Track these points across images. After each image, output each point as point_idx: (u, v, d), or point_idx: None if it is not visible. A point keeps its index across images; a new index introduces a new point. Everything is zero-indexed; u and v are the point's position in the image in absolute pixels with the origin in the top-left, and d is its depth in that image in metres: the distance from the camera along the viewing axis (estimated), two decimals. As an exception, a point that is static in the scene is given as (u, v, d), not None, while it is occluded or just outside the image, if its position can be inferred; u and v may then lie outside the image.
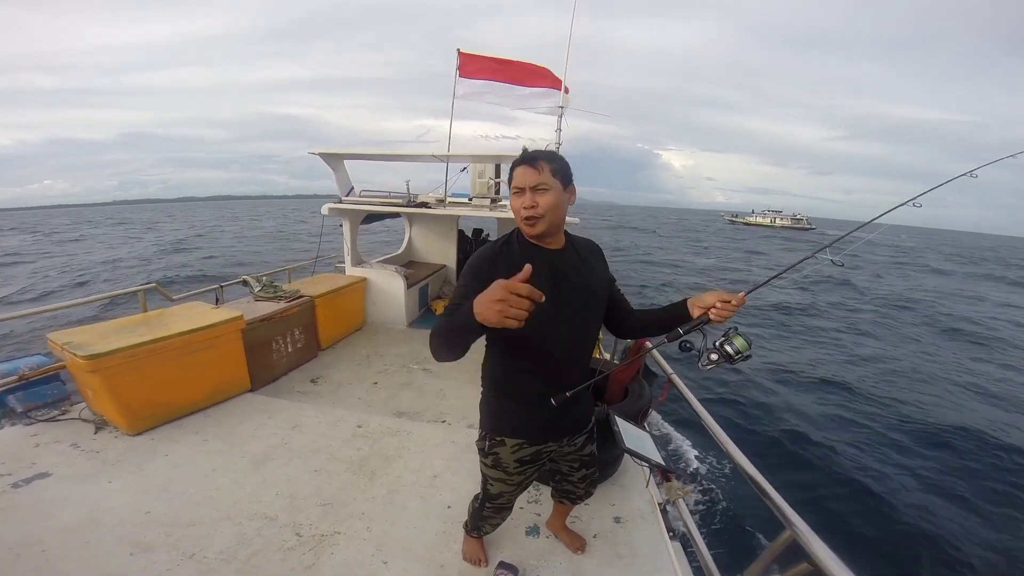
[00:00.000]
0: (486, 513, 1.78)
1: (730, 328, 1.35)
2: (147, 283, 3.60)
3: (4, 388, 3.08)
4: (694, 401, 2.35)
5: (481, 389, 1.59)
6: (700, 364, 1.34)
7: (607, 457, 2.50)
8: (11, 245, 29.70)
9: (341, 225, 5.35)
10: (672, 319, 1.42)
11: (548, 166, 1.31)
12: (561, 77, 5.36)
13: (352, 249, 5.39)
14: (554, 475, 1.81)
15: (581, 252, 1.48)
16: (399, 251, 6.96)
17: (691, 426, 5.86)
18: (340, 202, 5.13)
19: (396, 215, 6.13)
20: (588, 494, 1.84)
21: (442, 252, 6.95)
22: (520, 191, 1.33)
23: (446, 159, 5.00)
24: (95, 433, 3.03)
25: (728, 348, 1.31)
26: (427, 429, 3.17)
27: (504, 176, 5.59)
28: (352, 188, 5.31)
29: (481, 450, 1.60)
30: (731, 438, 1.91)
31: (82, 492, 2.52)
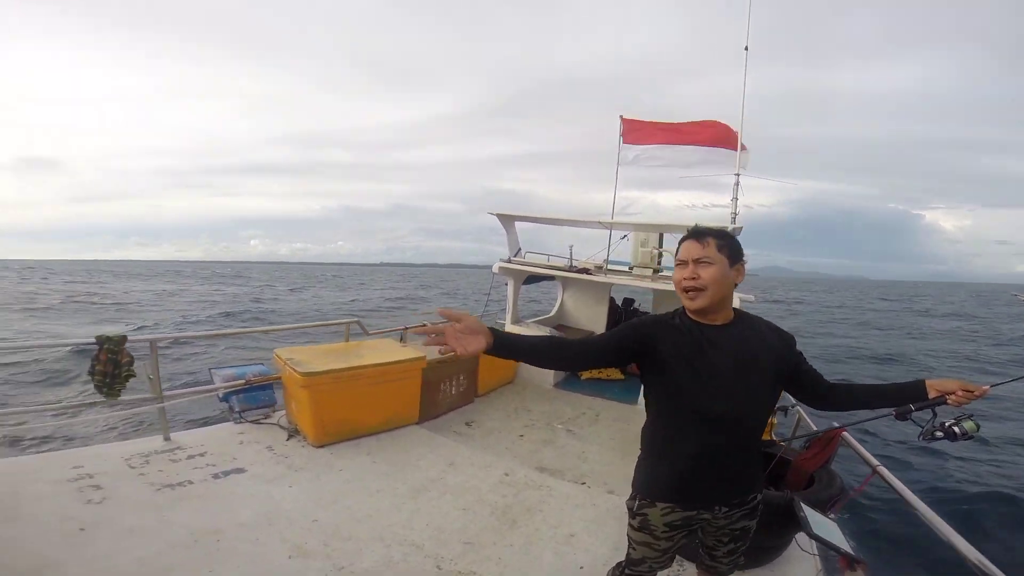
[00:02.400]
0: None
1: (963, 413, 1.47)
2: (352, 318, 4.39)
3: (233, 390, 3.70)
4: (907, 493, 2.00)
5: (639, 451, 1.62)
6: (920, 437, 1.51)
7: (770, 544, 2.32)
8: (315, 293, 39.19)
9: (507, 284, 5.85)
10: (902, 396, 1.50)
11: (714, 241, 1.38)
12: (737, 131, 5.11)
13: (513, 307, 5.83)
14: (700, 547, 1.72)
15: (754, 327, 1.49)
16: (551, 313, 7.24)
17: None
18: (509, 262, 5.64)
19: (552, 278, 6.46)
20: (731, 570, 1.71)
21: (592, 318, 7.02)
22: (683, 264, 1.40)
23: (609, 227, 5.20)
24: (287, 440, 3.50)
25: (956, 429, 1.46)
26: (568, 488, 3.19)
27: (668, 246, 5.57)
28: (520, 249, 5.79)
29: (630, 510, 1.59)
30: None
31: (265, 492, 2.82)
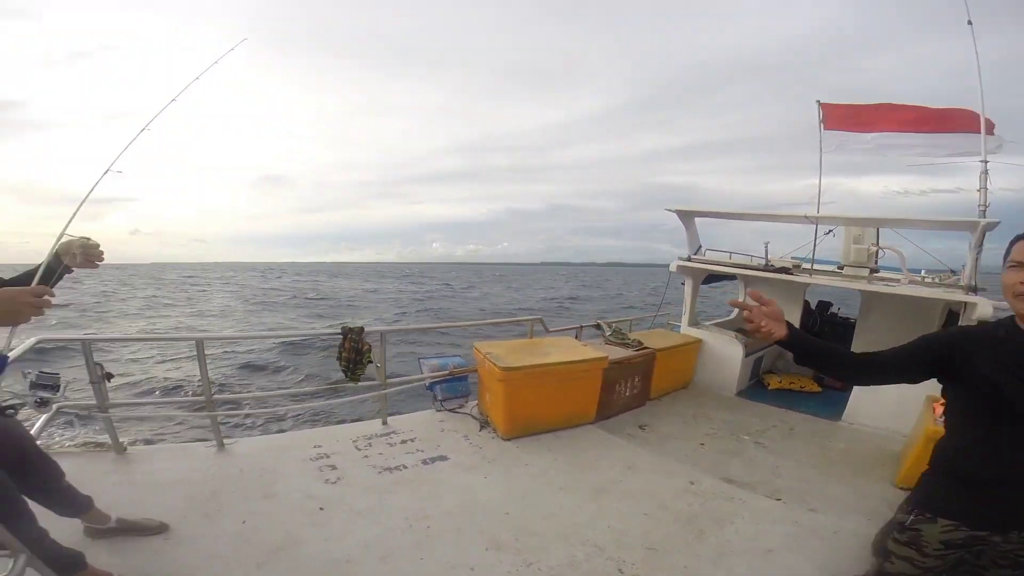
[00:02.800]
0: None
1: None
2: (535, 316, 4.65)
3: (438, 379, 4.04)
4: None
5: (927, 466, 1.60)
6: None
7: None
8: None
9: (683, 283, 5.56)
10: None
11: None
12: (973, 111, 4.27)
13: (691, 308, 5.54)
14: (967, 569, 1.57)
15: None
16: (730, 316, 6.69)
17: None
18: (688, 260, 5.32)
19: (733, 277, 5.94)
20: None
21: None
22: (1018, 266, 1.29)
23: (815, 221, 4.60)
24: (480, 430, 3.71)
25: None
26: (763, 503, 2.95)
27: (885, 241, 4.71)
28: (700, 247, 5.44)
29: (900, 524, 1.55)
30: None
31: (465, 481, 2.97)
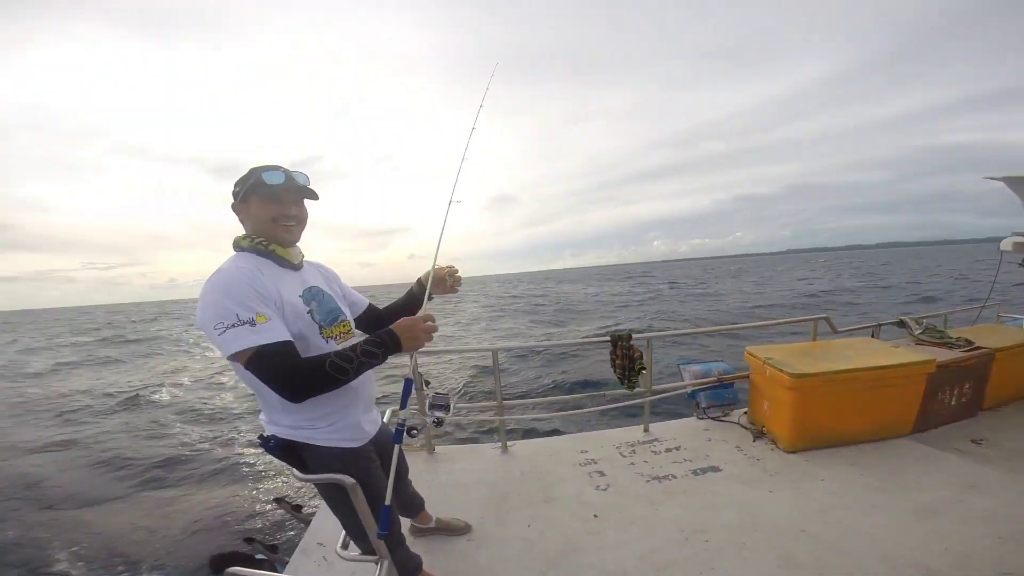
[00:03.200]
0: None
1: None
2: (820, 315, 4.15)
3: (701, 387, 3.82)
4: None
5: None
6: None
7: None
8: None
9: (1023, 264, 4.41)
10: None
11: None
12: None
13: None
14: None
15: None
16: None
17: None
18: None
19: None
20: None
21: None
22: None
23: None
24: (753, 441, 3.46)
25: None
26: None
27: None
28: None
29: None
30: None
31: (744, 495, 2.79)
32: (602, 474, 3.06)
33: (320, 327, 1.51)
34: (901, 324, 4.30)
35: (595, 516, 2.63)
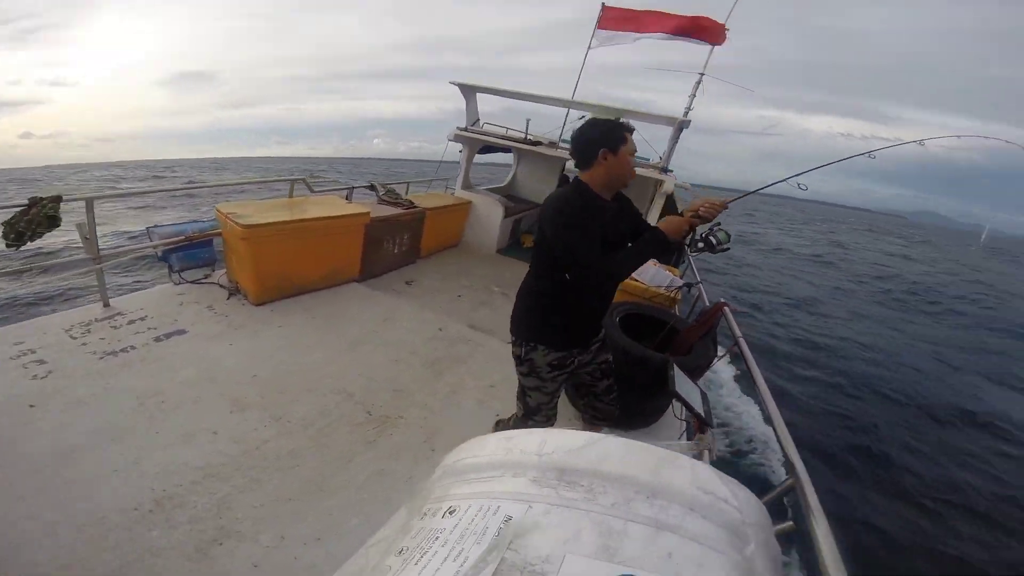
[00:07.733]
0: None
1: (716, 224, 1.72)
2: (298, 177, 4.06)
3: (172, 247, 3.51)
4: (751, 361, 2.19)
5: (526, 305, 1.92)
6: (688, 250, 1.73)
7: (650, 407, 2.68)
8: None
9: (461, 151, 5.77)
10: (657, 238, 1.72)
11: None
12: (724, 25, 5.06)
13: (465, 174, 5.85)
14: (580, 390, 2.09)
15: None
16: (503, 183, 7.27)
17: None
18: (466, 130, 5.53)
19: (508, 149, 6.37)
20: (616, 409, 2.07)
21: (543, 192, 7.07)
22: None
23: (567, 105, 5.17)
24: (227, 299, 3.46)
25: (712, 239, 1.73)
26: (495, 344, 3.40)
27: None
28: (478, 120, 5.66)
29: (517, 357, 1.92)
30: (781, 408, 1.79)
31: (206, 351, 2.81)
32: (42, 362, 2.63)
33: None
34: (372, 188, 4.83)
35: (31, 406, 2.29)
